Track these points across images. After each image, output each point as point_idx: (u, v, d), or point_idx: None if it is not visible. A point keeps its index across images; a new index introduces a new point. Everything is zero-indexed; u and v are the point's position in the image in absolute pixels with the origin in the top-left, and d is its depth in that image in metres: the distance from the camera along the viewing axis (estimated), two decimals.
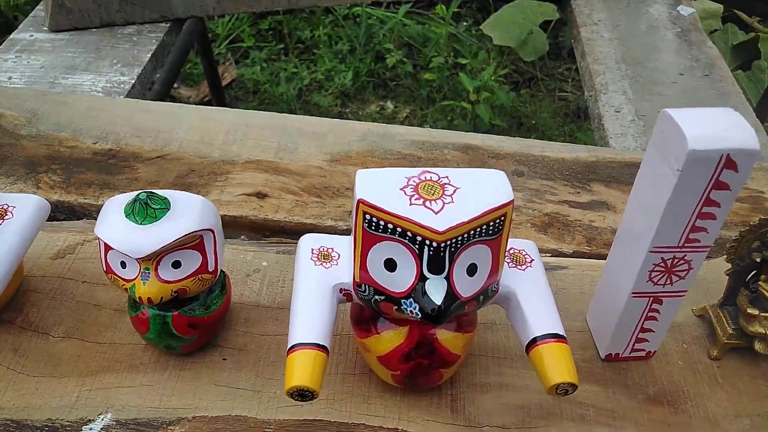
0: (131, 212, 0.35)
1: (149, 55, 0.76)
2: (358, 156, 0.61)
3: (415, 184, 0.33)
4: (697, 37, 0.85)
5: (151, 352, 0.43)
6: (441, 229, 0.32)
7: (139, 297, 0.36)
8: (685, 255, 0.36)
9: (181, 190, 0.54)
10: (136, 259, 0.35)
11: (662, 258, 0.36)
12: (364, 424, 0.40)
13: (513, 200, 0.34)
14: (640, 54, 0.80)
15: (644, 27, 0.85)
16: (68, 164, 0.59)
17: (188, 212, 0.36)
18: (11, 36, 0.79)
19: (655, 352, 0.43)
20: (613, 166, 0.62)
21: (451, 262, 0.33)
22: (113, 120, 0.64)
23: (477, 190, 0.33)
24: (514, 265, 0.38)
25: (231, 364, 0.42)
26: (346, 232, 0.53)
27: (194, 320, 0.40)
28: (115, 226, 0.35)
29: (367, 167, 0.59)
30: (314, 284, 0.36)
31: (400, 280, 0.33)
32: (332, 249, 0.38)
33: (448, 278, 0.33)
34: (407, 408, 0.41)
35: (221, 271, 0.42)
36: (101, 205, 0.56)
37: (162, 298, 0.37)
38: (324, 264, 0.37)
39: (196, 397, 0.41)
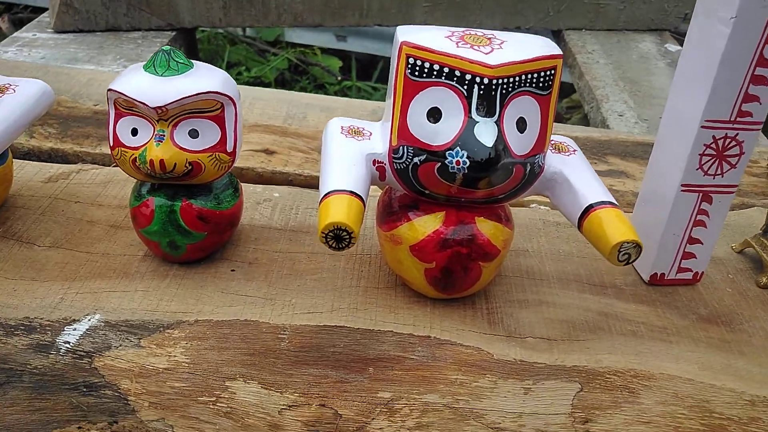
0: (152, 64, 0.33)
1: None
2: None
3: (460, 34, 0.32)
4: None
5: (150, 261, 0.38)
6: (493, 63, 0.30)
7: (150, 161, 0.32)
8: (737, 134, 0.34)
9: None
10: (154, 108, 0.32)
11: (713, 137, 0.34)
12: (392, 331, 0.35)
13: (562, 56, 0.32)
14: (635, 76, 0.83)
15: (636, 57, 0.88)
16: (66, 120, 0.56)
17: (211, 76, 0.34)
18: (14, 34, 0.78)
19: (702, 274, 0.40)
20: (627, 144, 0.61)
21: (502, 106, 0.30)
22: None
23: (525, 43, 0.32)
24: (557, 152, 0.36)
25: (240, 275, 0.38)
26: None
27: (204, 212, 0.36)
28: (133, 79, 0.32)
29: None
30: (347, 150, 0.33)
31: (445, 130, 0.31)
32: (363, 128, 0.35)
33: (498, 124, 0.30)
34: (439, 318, 0.36)
35: (234, 177, 0.39)
36: (98, 153, 0.53)
37: (175, 165, 0.33)
38: (356, 137, 0.34)
39: (200, 302, 0.36)
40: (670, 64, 0.88)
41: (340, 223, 0.28)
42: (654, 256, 0.39)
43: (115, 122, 0.34)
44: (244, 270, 0.38)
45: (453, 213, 0.34)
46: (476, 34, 0.32)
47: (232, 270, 0.38)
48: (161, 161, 0.32)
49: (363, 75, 1.43)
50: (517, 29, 0.94)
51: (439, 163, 0.31)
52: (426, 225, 0.34)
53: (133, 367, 0.33)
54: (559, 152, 0.36)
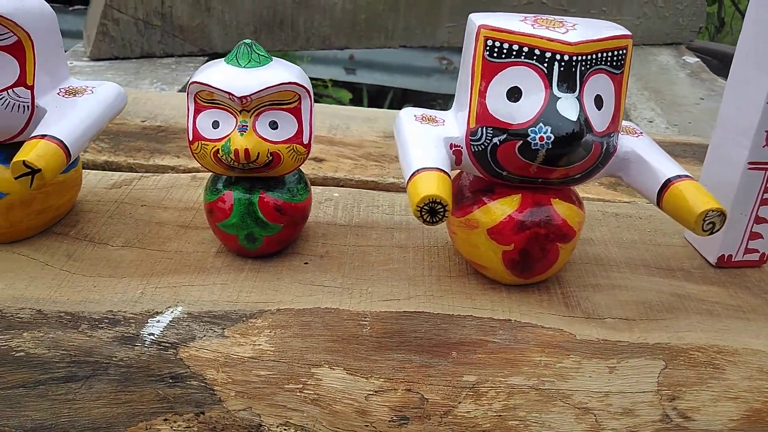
0: (234, 56, 0.34)
1: (186, 79, 0.77)
2: None
3: (533, 18, 0.33)
4: (708, 76, 0.90)
5: (224, 257, 0.38)
6: (572, 41, 0.31)
7: (235, 151, 0.33)
8: None
9: None
10: (240, 97, 0.32)
11: None
12: (471, 315, 0.35)
13: (632, 36, 0.33)
14: (658, 86, 0.84)
15: (656, 69, 0.90)
16: (116, 135, 0.57)
17: (288, 68, 0.35)
18: None
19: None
20: (665, 144, 0.62)
21: (581, 83, 0.31)
22: (161, 106, 0.63)
23: (595, 25, 0.33)
24: (626, 134, 0.36)
25: (313, 267, 0.38)
26: None
27: (281, 204, 0.36)
28: (216, 71, 0.33)
29: None
30: (426, 134, 0.34)
31: (526, 108, 0.31)
32: (435, 115, 0.36)
33: (579, 100, 0.31)
34: (516, 303, 0.36)
35: (302, 172, 0.39)
36: (151, 165, 0.54)
37: (258, 154, 0.34)
38: (431, 123, 0.35)
39: (279, 292, 0.36)
40: (690, 74, 0.90)
41: (435, 196, 0.29)
42: (721, 237, 0.39)
43: (195, 116, 0.35)
44: (317, 263, 0.39)
45: (529, 195, 0.35)
46: (547, 18, 0.33)
47: (305, 263, 0.39)
48: (246, 150, 0.33)
49: (373, 106, 1.46)
50: None
51: (521, 141, 0.31)
52: (502, 208, 0.34)
53: (218, 357, 0.33)
54: (628, 134, 0.36)
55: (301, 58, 1.69)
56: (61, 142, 0.32)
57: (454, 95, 0.35)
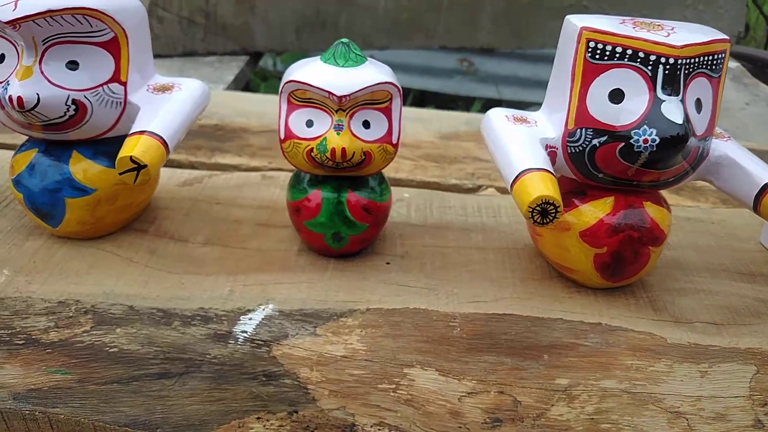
0: (332, 56, 0.34)
1: (232, 77, 0.78)
2: (467, 135, 0.60)
3: (632, 20, 0.33)
4: (750, 81, 0.89)
5: (306, 256, 0.38)
6: (678, 44, 0.31)
7: (332, 150, 0.33)
8: None
9: None
10: (340, 96, 0.32)
11: None
12: (561, 318, 0.35)
13: (730, 41, 0.33)
14: None
15: None
16: None
17: (382, 68, 0.35)
18: None
19: None
20: None
21: (684, 86, 0.31)
22: (215, 104, 0.62)
23: (693, 29, 0.33)
24: (715, 138, 0.36)
25: (396, 267, 0.38)
26: (471, 191, 0.51)
27: (369, 204, 0.36)
28: (315, 70, 0.33)
29: (480, 146, 0.58)
30: (523, 135, 0.33)
31: (629, 111, 0.31)
32: (526, 116, 0.36)
33: (682, 103, 0.31)
34: (604, 306, 0.36)
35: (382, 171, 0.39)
36: (214, 163, 0.54)
37: (354, 154, 0.34)
38: (524, 124, 0.35)
39: (366, 292, 0.36)
40: (732, 79, 0.89)
41: (548, 196, 0.29)
42: None
43: (288, 115, 0.35)
44: (399, 263, 0.39)
45: (621, 198, 0.34)
46: (645, 21, 0.33)
47: (387, 263, 0.38)
48: (343, 149, 0.33)
49: None
50: None
51: (623, 143, 0.31)
52: (595, 210, 0.34)
53: (311, 356, 0.33)
54: (716, 138, 0.36)
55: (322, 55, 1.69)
56: (161, 137, 0.32)
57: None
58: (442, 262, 0.39)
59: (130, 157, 0.30)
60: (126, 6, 0.34)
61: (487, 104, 1.17)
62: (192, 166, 0.54)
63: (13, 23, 0.31)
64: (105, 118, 0.35)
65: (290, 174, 0.48)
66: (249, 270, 0.37)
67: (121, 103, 0.35)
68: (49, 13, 0.31)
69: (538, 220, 0.29)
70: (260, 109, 0.62)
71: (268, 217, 0.42)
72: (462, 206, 0.45)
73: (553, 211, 0.29)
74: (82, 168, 0.36)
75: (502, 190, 0.49)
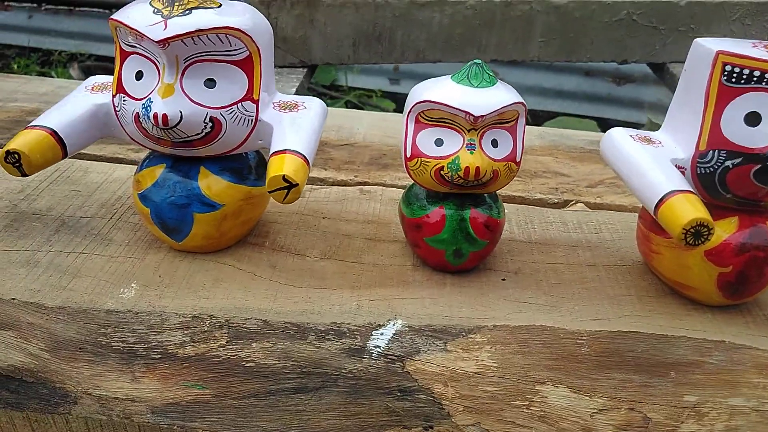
0: (466, 76, 0.34)
1: (294, 90, 0.78)
2: (542, 149, 0.61)
3: (762, 44, 0.33)
4: None
5: (421, 271, 0.39)
6: None
7: (466, 168, 0.34)
8: None
9: (378, 170, 0.53)
10: (477, 117, 0.33)
11: None
12: (685, 336, 0.35)
13: None
14: None
15: None
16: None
17: (509, 88, 0.35)
18: None
19: None
20: None
21: None
22: None
23: None
24: None
25: (512, 284, 0.39)
26: (557, 206, 0.51)
27: (490, 221, 0.37)
28: (449, 90, 0.34)
29: (558, 159, 0.59)
30: (654, 155, 0.34)
31: (766, 134, 0.32)
32: (651, 136, 0.36)
33: None
34: (725, 324, 0.36)
35: None
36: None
37: (486, 173, 0.34)
38: (651, 144, 0.35)
39: (489, 309, 0.36)
40: None
41: (703, 219, 0.29)
42: None
43: (416, 134, 0.36)
44: (513, 279, 0.39)
45: (746, 218, 0.35)
46: None
47: (503, 279, 0.39)
48: (477, 168, 0.34)
49: None
50: (624, 63, 0.97)
51: (759, 166, 0.32)
52: (721, 229, 0.35)
53: (444, 371, 0.34)
54: None
55: (351, 68, 1.71)
56: (304, 156, 0.33)
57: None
58: (556, 279, 0.39)
59: (283, 176, 0.31)
60: (259, 24, 0.35)
61: None
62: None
63: (163, 42, 0.32)
64: (236, 135, 0.36)
65: (384, 189, 0.49)
66: (370, 285, 0.38)
67: (252, 120, 0.36)
68: (198, 33, 0.32)
69: (691, 242, 0.29)
70: (337, 122, 0.62)
71: (375, 231, 0.42)
72: (562, 222, 0.45)
73: (706, 232, 0.29)
74: (209, 183, 0.37)
75: (594, 206, 0.49)
